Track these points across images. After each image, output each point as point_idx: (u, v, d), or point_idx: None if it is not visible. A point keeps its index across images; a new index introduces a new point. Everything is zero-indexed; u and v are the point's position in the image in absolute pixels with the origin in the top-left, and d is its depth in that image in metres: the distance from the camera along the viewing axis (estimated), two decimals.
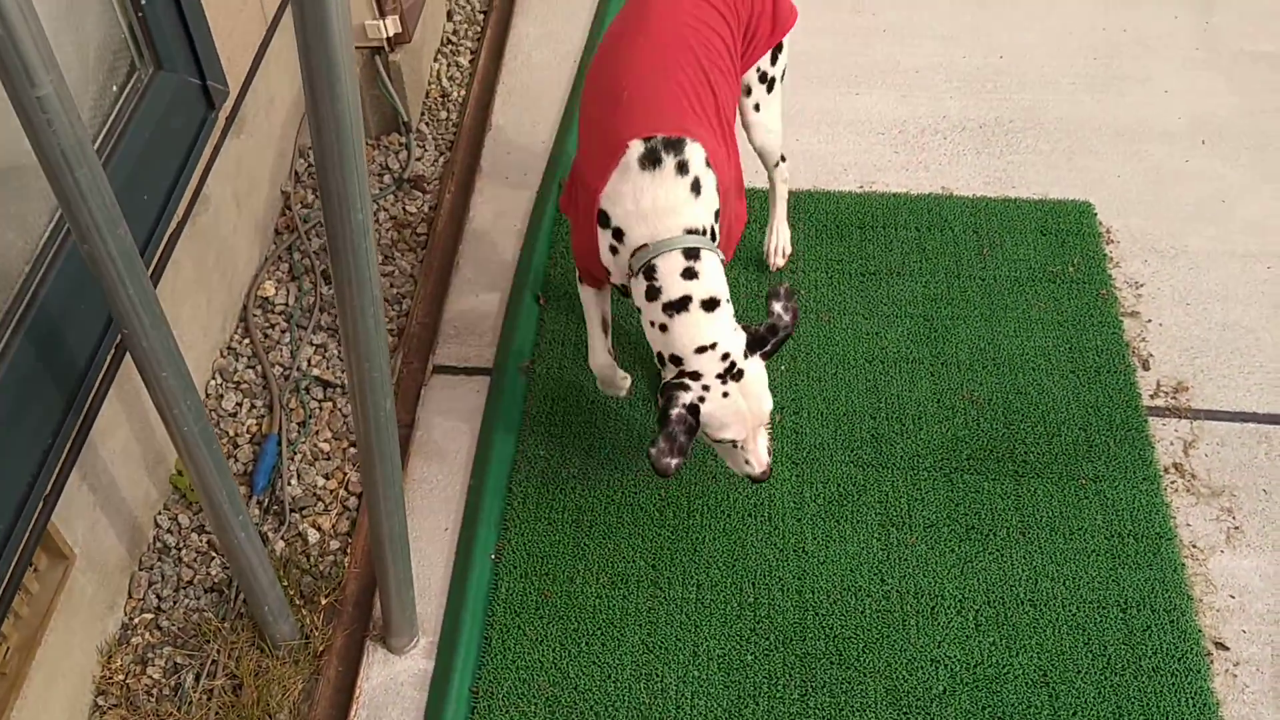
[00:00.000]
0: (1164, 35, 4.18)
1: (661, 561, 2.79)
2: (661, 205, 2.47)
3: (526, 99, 3.97)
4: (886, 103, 3.93)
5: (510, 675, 2.61)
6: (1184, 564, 2.81)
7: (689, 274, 2.45)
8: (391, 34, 3.61)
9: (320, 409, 3.12)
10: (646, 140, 2.46)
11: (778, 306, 2.55)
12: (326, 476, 2.99)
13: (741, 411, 2.52)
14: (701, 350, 2.47)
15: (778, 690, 2.59)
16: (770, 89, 2.98)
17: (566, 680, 2.60)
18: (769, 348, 2.55)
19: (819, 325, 3.26)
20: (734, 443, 2.56)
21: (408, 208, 3.63)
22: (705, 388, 2.48)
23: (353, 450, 3.03)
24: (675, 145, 2.46)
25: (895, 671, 2.62)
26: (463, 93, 4.01)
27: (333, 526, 2.91)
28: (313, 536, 2.88)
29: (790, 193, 3.47)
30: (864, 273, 3.40)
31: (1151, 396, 3.15)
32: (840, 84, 4.00)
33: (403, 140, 3.79)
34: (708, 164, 2.49)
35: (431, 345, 3.27)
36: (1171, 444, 3.06)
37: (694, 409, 2.47)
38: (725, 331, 2.49)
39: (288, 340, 3.25)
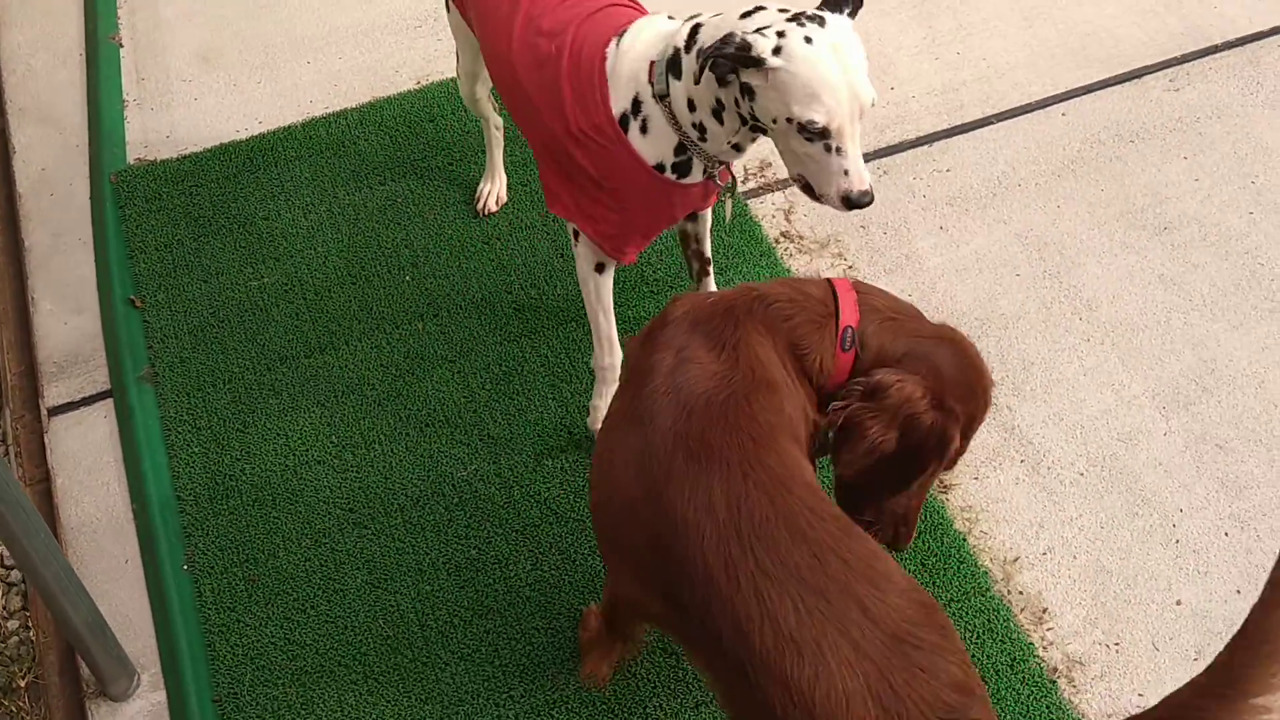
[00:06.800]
0: None
1: (357, 501, 2.74)
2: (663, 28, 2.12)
3: (42, 109, 3.65)
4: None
5: (247, 670, 2.50)
6: None
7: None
8: None
9: None
10: (618, 36, 2.11)
11: None
12: None
13: (834, 80, 1.82)
14: (748, 14, 1.94)
15: (509, 570, 2.62)
16: None
17: (304, 649, 2.53)
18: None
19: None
20: (823, 137, 1.86)
21: None
22: (780, 34, 1.85)
23: None
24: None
25: None
26: None
27: (2, 607, 2.67)
28: None
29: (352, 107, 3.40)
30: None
31: (743, 181, 3.34)
32: None
33: None
34: None
35: (36, 391, 3.01)
36: (774, 216, 3.27)
37: (746, 46, 1.83)
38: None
39: None
